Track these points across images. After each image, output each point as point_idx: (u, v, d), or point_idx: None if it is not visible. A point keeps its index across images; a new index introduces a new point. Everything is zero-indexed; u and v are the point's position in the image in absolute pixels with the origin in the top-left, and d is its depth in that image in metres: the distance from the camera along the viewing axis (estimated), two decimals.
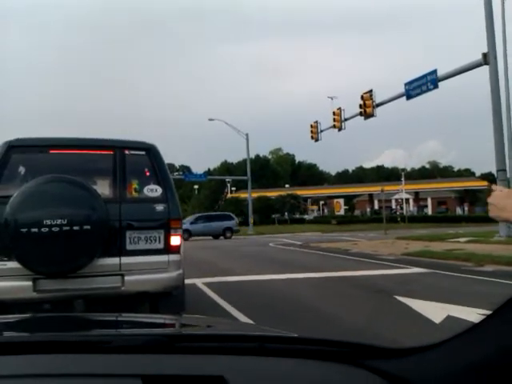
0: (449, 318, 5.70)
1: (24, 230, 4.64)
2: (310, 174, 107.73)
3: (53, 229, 4.64)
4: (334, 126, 28.50)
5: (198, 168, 75.70)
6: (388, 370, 1.05)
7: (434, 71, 20.54)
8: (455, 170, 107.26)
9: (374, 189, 48.81)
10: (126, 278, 5.11)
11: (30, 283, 4.87)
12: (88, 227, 4.77)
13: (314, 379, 1.07)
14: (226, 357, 1.13)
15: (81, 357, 1.11)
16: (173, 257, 5.32)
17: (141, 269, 5.16)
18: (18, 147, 5.26)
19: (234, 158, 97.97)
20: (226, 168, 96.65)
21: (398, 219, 48.83)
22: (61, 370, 1.03)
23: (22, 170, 5.57)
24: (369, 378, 1.05)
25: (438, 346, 1.02)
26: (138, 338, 1.28)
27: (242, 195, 62.41)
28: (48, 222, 4.64)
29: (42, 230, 4.63)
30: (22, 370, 1.04)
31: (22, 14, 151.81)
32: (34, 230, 4.63)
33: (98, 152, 5.63)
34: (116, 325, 1.66)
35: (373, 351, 1.13)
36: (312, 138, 31.19)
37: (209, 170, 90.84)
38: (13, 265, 4.81)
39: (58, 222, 4.66)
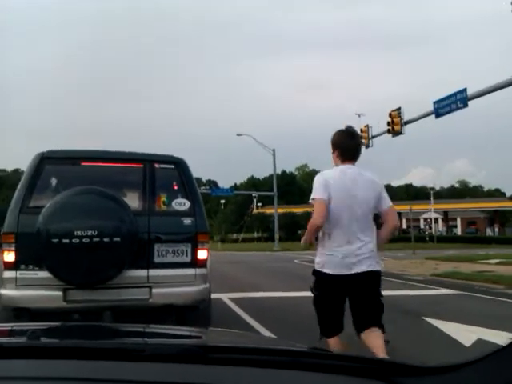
0: (479, 342, 5.55)
1: (55, 240, 4.73)
2: None
3: (83, 240, 4.71)
4: (362, 143, 28.35)
5: (225, 183, 76.28)
6: None
7: (464, 90, 20.28)
8: (485, 189, 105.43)
9: (402, 207, 48.13)
10: (154, 290, 5.14)
11: (60, 293, 4.94)
12: (118, 239, 4.83)
13: None
14: (259, 369, 1.13)
15: (113, 364, 1.12)
16: (200, 270, 5.34)
17: (168, 282, 5.19)
18: (50, 159, 5.38)
19: (261, 174, 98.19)
20: (253, 183, 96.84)
21: (427, 238, 47.96)
22: (93, 376, 1.05)
23: (54, 181, 5.69)
24: None
25: (469, 365, 1.00)
26: (171, 347, 1.29)
27: (268, 211, 62.37)
28: (79, 233, 4.71)
29: (73, 240, 4.71)
30: (56, 373, 1.06)
31: (52, 30, 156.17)
32: (66, 240, 4.71)
33: (129, 165, 5.71)
34: (146, 335, 1.68)
35: (404, 369, 1.12)
36: None
37: (235, 184, 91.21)
38: (44, 274, 4.90)
39: (89, 233, 4.73)
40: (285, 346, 1.34)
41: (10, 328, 1.92)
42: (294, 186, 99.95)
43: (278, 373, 1.12)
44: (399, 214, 74.38)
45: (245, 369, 1.12)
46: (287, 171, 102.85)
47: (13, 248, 4.97)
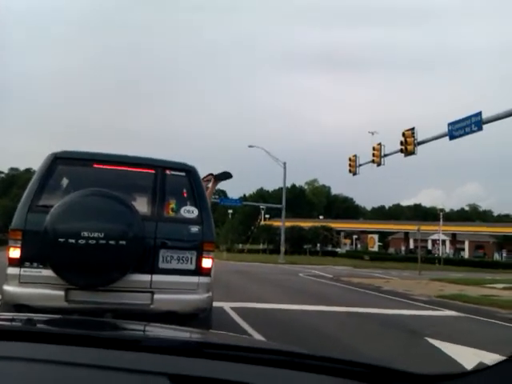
0: (480, 365, 5.48)
1: (62, 239, 4.74)
2: (345, 207, 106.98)
3: (89, 241, 4.73)
4: (373, 161, 28.26)
5: (234, 193, 76.10)
6: None
7: (479, 113, 20.24)
8: (495, 214, 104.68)
9: (410, 227, 47.92)
10: (156, 296, 5.14)
11: (62, 293, 4.95)
12: (123, 242, 4.84)
13: None
14: (253, 366, 1.13)
15: (111, 352, 1.13)
16: (203, 279, 5.33)
17: (171, 288, 5.18)
18: (63, 159, 5.42)
19: (270, 186, 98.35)
20: (261, 195, 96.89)
21: (436, 261, 47.60)
22: (91, 362, 1.07)
23: (65, 181, 5.72)
24: None
25: (464, 376, 1.01)
26: (167, 340, 1.30)
27: (275, 223, 62.28)
28: (86, 234, 4.73)
29: (79, 241, 4.72)
30: (57, 357, 1.08)
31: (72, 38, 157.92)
32: (72, 240, 4.73)
33: (140, 170, 5.74)
34: (145, 329, 1.70)
35: (402, 376, 1.12)
36: (350, 171, 31.01)
37: (244, 195, 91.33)
38: (47, 273, 4.91)
39: (95, 234, 4.74)
40: (282, 348, 1.35)
41: (13, 316, 1.96)
42: (303, 200, 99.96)
43: (273, 371, 1.13)
44: (407, 233, 74.36)
45: (239, 365, 1.13)
46: (297, 185, 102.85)
47: (19, 245, 5.00)
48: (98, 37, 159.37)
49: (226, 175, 8.20)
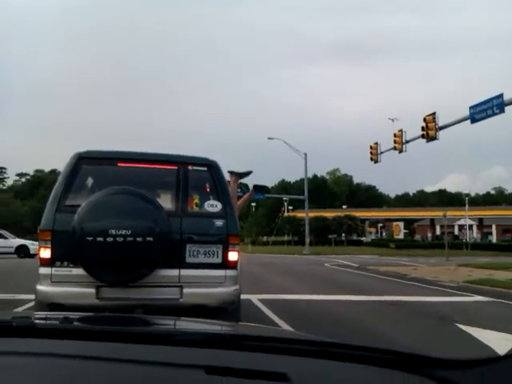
0: None
1: (90, 238, 4.83)
2: (368, 196, 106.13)
3: (117, 239, 4.81)
4: (395, 148, 27.98)
5: None
6: (452, 380, 1.04)
7: (501, 95, 19.88)
8: None
9: (436, 213, 47.29)
10: (185, 290, 5.20)
11: (93, 290, 5.05)
12: (151, 239, 4.90)
13: (374, 383, 1.07)
14: (288, 357, 1.15)
15: (147, 347, 1.16)
16: (230, 272, 5.38)
17: (199, 282, 5.24)
18: (87, 158, 5.51)
19: (292, 177, 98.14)
20: (283, 187, 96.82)
21: (464, 246, 46.98)
22: (126, 357, 1.09)
23: (90, 180, 5.81)
24: None
25: (503, 359, 1.01)
26: (201, 333, 1.32)
27: (299, 214, 62.19)
28: (113, 231, 4.81)
29: (107, 239, 4.80)
30: (94, 353, 1.11)
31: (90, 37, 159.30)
32: (100, 239, 4.81)
33: (163, 167, 5.79)
34: (177, 324, 1.73)
35: (437, 362, 1.12)
36: (371, 159, 30.76)
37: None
38: (78, 271, 5.01)
39: (123, 232, 4.82)
40: (314, 338, 1.36)
41: (47, 315, 2.01)
42: (325, 190, 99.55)
43: (308, 361, 1.14)
44: (432, 220, 73.50)
45: (274, 356, 1.14)
46: (318, 175, 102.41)
47: (49, 245, 5.10)
48: (111, 36, 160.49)
49: (246, 173, 8.26)
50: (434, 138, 24.34)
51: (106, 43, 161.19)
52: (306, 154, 44.75)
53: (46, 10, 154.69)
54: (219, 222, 5.40)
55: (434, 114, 24.41)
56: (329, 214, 68.73)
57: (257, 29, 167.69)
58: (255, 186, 8.50)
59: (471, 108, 21.51)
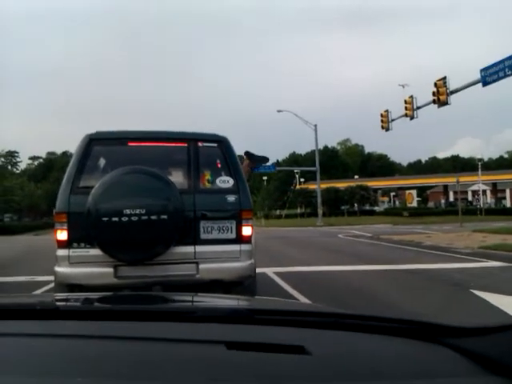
0: None
1: (105, 218, 4.89)
2: (380, 165, 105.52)
3: (132, 218, 4.86)
4: (406, 115, 27.67)
5: None
6: (466, 347, 1.06)
7: None
8: None
9: (449, 180, 46.93)
10: (201, 266, 5.27)
11: (110, 270, 5.13)
12: (165, 217, 4.95)
13: (391, 353, 1.09)
14: (305, 329, 1.17)
15: (168, 324, 1.19)
16: (244, 247, 5.43)
17: (214, 257, 5.30)
18: (98, 140, 5.53)
19: (302, 150, 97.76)
20: (294, 159, 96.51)
21: (478, 212, 46.70)
22: (148, 335, 1.12)
23: (102, 161, 5.84)
24: (448, 355, 1.06)
25: None
26: (221, 309, 1.35)
27: (311, 186, 62.10)
28: (127, 211, 4.86)
29: (122, 219, 4.86)
30: (119, 332, 1.14)
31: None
32: (115, 218, 4.87)
33: (173, 144, 5.81)
34: (196, 300, 1.75)
35: (453, 330, 1.14)
36: (382, 127, 30.46)
37: (277, 161, 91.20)
38: (95, 252, 5.09)
39: (137, 211, 4.87)
40: (330, 310, 1.38)
41: (67, 296, 2.05)
42: (337, 161, 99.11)
43: (324, 333, 1.16)
44: (445, 186, 73.02)
45: (292, 328, 1.17)
46: (329, 146, 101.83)
47: (65, 227, 5.18)
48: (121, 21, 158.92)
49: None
50: (445, 103, 24.00)
51: (118, 22, 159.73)
52: (316, 126, 44.45)
53: None
54: (232, 198, 5.43)
55: (444, 78, 24.02)
56: (341, 184, 68.53)
57: None
58: (250, 155, 8.11)
59: (482, 71, 21.12)
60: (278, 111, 44.87)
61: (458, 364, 1.04)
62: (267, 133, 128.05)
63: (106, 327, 1.18)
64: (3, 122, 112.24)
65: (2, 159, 67.29)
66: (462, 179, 37.43)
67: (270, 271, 9.71)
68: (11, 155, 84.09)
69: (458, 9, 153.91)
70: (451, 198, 70.91)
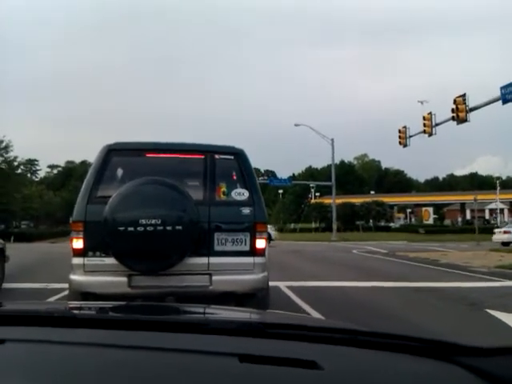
0: None
1: (121, 228, 4.93)
2: (396, 181, 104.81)
3: (148, 228, 4.90)
4: (424, 132, 27.49)
5: (283, 173, 76.28)
6: (481, 368, 1.05)
7: None
8: None
9: (466, 197, 46.47)
10: (214, 277, 5.28)
11: (125, 279, 5.16)
12: (180, 228, 4.99)
13: (404, 371, 1.09)
14: (318, 345, 1.18)
15: (181, 336, 1.20)
16: (258, 259, 5.43)
17: (228, 269, 5.31)
18: (117, 150, 5.60)
19: (319, 164, 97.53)
20: (310, 173, 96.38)
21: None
22: (159, 345, 1.13)
23: (120, 172, 5.91)
24: (462, 375, 1.06)
25: None
26: (234, 321, 1.35)
27: (326, 201, 61.92)
28: (143, 221, 4.90)
29: (138, 228, 4.90)
30: (132, 342, 1.15)
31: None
32: (131, 228, 4.91)
33: (190, 156, 5.86)
34: (208, 312, 1.76)
35: (467, 350, 1.13)
36: (400, 143, 30.29)
37: (293, 175, 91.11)
38: (110, 261, 5.13)
39: (153, 221, 4.91)
40: (342, 326, 1.38)
41: (81, 305, 2.07)
42: (353, 176, 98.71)
43: (337, 349, 1.16)
44: (463, 204, 72.23)
45: (305, 343, 1.17)
46: (346, 161, 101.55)
47: (81, 236, 5.23)
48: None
49: None
50: (464, 120, 23.81)
51: (132, 31, 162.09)
52: (332, 140, 44.43)
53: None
54: (246, 210, 5.45)
55: (464, 95, 23.87)
56: (356, 200, 68.21)
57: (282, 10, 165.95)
58: None
59: (502, 88, 20.98)
60: (296, 125, 44.96)
61: None
62: (284, 146, 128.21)
63: (120, 336, 1.19)
64: (24, 130, 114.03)
65: (22, 167, 68.23)
66: (479, 197, 37.00)
67: (282, 285, 9.68)
68: (31, 163, 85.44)
69: (479, 26, 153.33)
70: (468, 216, 70.16)
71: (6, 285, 9.79)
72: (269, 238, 25.26)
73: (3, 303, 1.64)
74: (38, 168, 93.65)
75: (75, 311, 1.66)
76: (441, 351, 1.14)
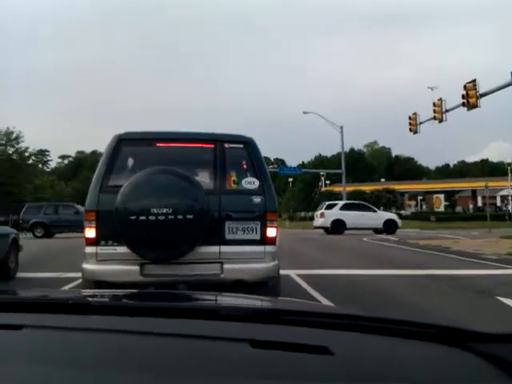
0: None
1: (133, 217, 4.99)
2: (407, 168, 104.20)
3: (159, 217, 4.95)
4: (435, 118, 27.29)
5: (293, 161, 76.08)
6: (493, 353, 1.06)
7: None
8: None
9: (478, 184, 46.13)
10: (225, 266, 5.32)
11: (137, 268, 5.23)
12: (191, 216, 5.03)
13: (416, 357, 1.10)
14: (329, 331, 1.19)
15: (193, 322, 1.22)
16: (269, 248, 5.46)
17: (239, 258, 5.35)
18: (127, 140, 5.64)
19: (328, 152, 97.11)
20: (320, 161, 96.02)
21: (506, 218, 45.72)
22: (175, 331, 1.15)
23: (130, 161, 5.96)
24: (474, 361, 1.07)
25: None
26: (245, 308, 1.37)
27: (336, 189, 61.67)
28: (155, 210, 4.95)
29: (150, 217, 4.95)
30: (145, 328, 1.18)
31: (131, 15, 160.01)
32: (142, 217, 4.96)
33: (200, 145, 5.89)
34: (220, 299, 1.78)
35: (479, 336, 1.14)
36: (410, 130, 30.13)
37: (303, 163, 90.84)
38: (122, 250, 5.19)
39: (164, 211, 4.96)
40: (353, 312, 1.39)
41: (94, 293, 2.11)
42: (363, 164, 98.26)
43: (349, 335, 1.18)
44: (474, 191, 71.77)
45: (316, 330, 1.19)
46: (355, 148, 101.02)
47: (93, 225, 5.30)
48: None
49: None
50: (475, 106, 23.60)
51: (143, 22, 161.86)
52: (342, 127, 44.20)
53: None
54: (257, 199, 5.47)
55: (474, 80, 23.62)
56: (367, 187, 67.94)
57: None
58: None
59: None
60: (305, 113, 44.76)
61: (483, 370, 1.04)
62: (293, 134, 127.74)
63: (133, 323, 1.21)
64: (35, 121, 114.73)
65: (33, 158, 68.76)
66: (490, 184, 36.72)
67: (293, 273, 9.71)
68: (42, 154, 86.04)
69: (490, 12, 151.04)
70: (479, 203, 69.71)
71: (20, 274, 9.93)
72: (394, 226, 25.25)
73: (19, 291, 1.68)
74: (49, 158, 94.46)
75: (89, 298, 1.69)
76: (452, 337, 1.15)
